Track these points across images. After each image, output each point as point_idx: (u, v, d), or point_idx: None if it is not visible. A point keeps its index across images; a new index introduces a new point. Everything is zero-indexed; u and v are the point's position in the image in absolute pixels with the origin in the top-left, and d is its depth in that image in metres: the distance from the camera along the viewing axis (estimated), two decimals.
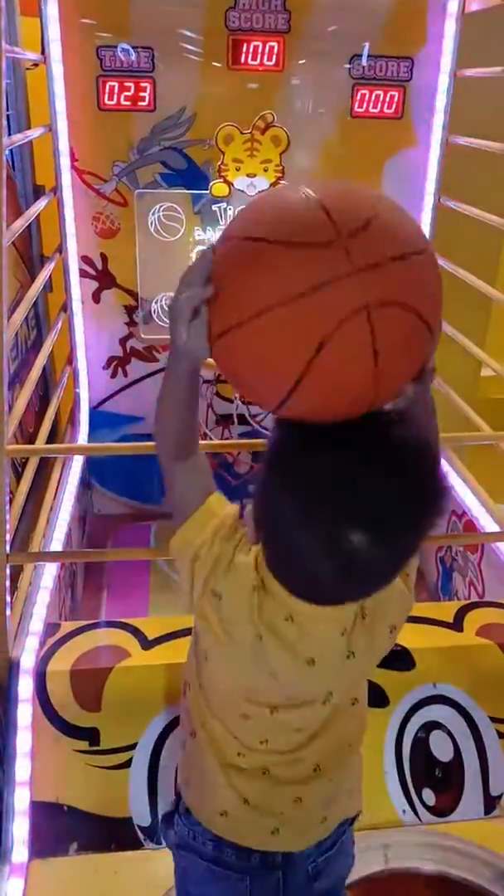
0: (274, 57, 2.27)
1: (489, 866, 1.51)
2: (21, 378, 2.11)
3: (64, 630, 1.67)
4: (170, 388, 0.98)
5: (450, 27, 2.30)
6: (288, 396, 0.79)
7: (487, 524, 2.18)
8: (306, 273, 0.76)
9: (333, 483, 0.79)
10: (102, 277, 2.52)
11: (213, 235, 2.49)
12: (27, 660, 1.56)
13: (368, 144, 2.43)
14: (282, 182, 2.42)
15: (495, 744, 1.66)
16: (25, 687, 1.54)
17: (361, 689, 1.11)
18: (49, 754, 1.53)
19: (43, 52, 2.18)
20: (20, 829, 1.49)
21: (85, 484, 2.68)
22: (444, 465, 2.45)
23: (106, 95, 2.26)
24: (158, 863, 1.47)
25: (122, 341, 2.62)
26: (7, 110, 2.24)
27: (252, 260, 0.78)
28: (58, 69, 2.19)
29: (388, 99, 2.39)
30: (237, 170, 2.41)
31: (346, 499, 0.79)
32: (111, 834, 1.52)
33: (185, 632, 1.62)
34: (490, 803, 1.64)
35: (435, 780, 1.63)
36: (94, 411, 2.68)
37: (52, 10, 2.12)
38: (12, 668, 1.55)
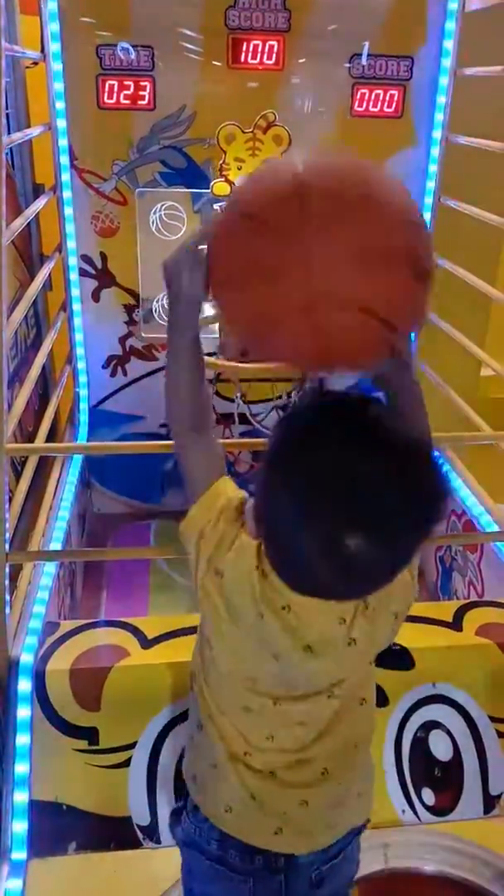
0: (274, 56, 2.27)
1: (489, 866, 1.51)
2: (21, 377, 2.11)
3: (63, 629, 1.67)
4: (175, 344, 1.01)
5: (450, 26, 2.29)
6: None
7: (487, 524, 2.18)
8: (263, 257, 0.84)
9: (333, 483, 0.79)
10: (102, 276, 2.52)
11: None
12: (26, 659, 1.56)
13: (368, 143, 2.43)
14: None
15: (495, 743, 1.66)
16: (25, 686, 1.54)
17: (369, 687, 1.10)
18: (48, 753, 1.53)
19: (42, 50, 2.17)
20: (19, 828, 1.49)
21: (84, 483, 2.68)
22: (444, 465, 2.45)
23: (105, 94, 2.26)
24: (157, 862, 1.47)
25: (122, 340, 2.62)
26: (6, 109, 2.24)
27: (226, 230, 0.90)
28: (57, 68, 2.19)
29: (388, 98, 2.38)
30: (239, 169, 2.41)
31: (345, 499, 0.79)
32: (110, 833, 1.52)
33: (185, 631, 1.62)
34: (489, 803, 1.64)
35: (434, 779, 1.63)
36: (94, 410, 2.68)
37: (51, 9, 2.12)
38: (11, 667, 1.55)
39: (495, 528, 2.16)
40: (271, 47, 2.25)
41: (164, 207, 2.44)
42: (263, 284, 0.84)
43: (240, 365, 2.26)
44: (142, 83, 2.26)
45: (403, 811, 1.60)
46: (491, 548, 2.12)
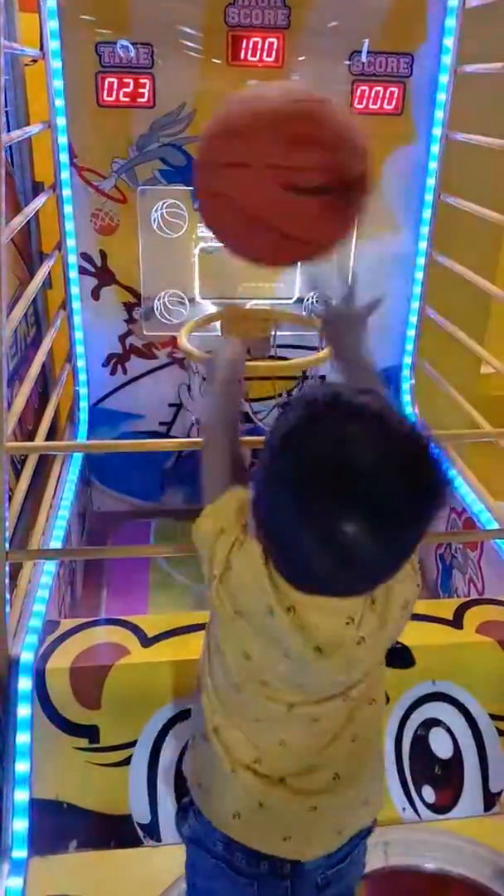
0: (273, 53, 2.26)
1: (489, 863, 1.51)
2: (20, 375, 2.11)
3: (63, 627, 1.67)
4: (215, 440, 1.18)
5: (450, 23, 2.29)
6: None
7: (487, 521, 2.18)
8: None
9: (329, 471, 0.79)
10: (102, 274, 2.51)
11: None
12: (27, 657, 1.56)
13: (368, 140, 2.42)
14: None
15: (495, 741, 1.66)
16: (25, 684, 1.54)
17: (379, 687, 1.10)
18: (49, 752, 1.53)
19: (42, 47, 2.17)
20: (20, 826, 1.49)
21: (85, 481, 2.68)
22: (444, 458, 2.45)
23: (105, 92, 2.25)
24: (158, 860, 1.47)
25: (122, 338, 2.62)
26: (5, 106, 2.24)
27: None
28: (57, 65, 2.18)
29: (387, 95, 2.38)
30: None
31: (342, 487, 0.79)
32: (111, 831, 1.52)
33: (186, 629, 1.62)
34: (490, 800, 1.64)
35: (434, 777, 1.63)
36: (94, 408, 2.68)
37: (50, 6, 2.11)
38: (12, 665, 1.55)
39: (495, 526, 2.16)
40: (271, 44, 2.25)
41: (165, 205, 2.44)
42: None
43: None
44: (141, 81, 2.26)
45: (404, 809, 1.60)
46: (491, 545, 2.12)
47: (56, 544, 2.01)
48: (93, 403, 2.68)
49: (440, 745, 1.65)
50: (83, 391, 2.65)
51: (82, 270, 2.48)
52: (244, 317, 2.44)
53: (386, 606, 0.96)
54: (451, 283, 2.47)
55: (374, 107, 2.38)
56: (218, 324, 2.41)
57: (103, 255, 2.48)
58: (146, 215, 2.44)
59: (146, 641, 1.62)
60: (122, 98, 2.27)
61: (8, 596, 1.59)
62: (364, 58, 2.32)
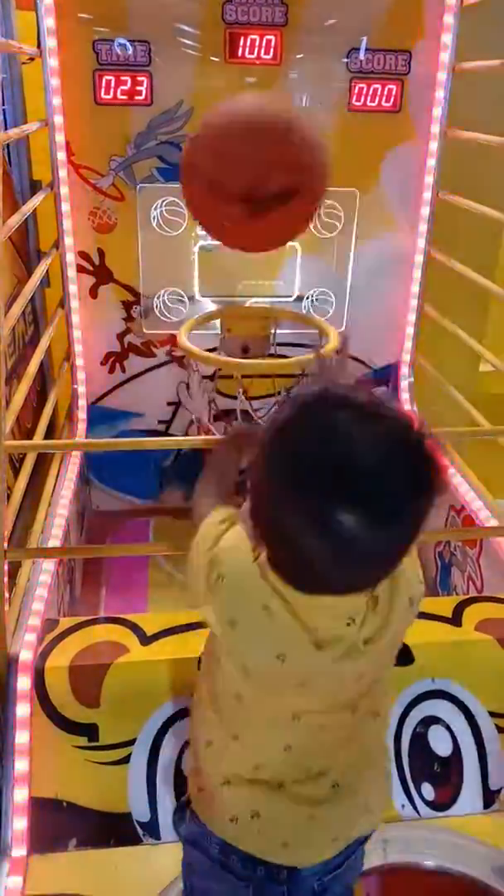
0: (271, 50, 2.26)
1: (488, 861, 1.51)
2: (18, 373, 2.11)
3: (62, 626, 1.67)
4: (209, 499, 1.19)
5: (448, 20, 2.28)
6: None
7: (486, 519, 2.18)
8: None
9: (323, 461, 0.79)
10: (100, 273, 2.51)
11: None
12: (25, 656, 1.56)
13: (366, 138, 2.42)
14: None
15: (494, 738, 1.66)
16: (24, 683, 1.54)
17: (384, 701, 1.09)
18: (48, 750, 1.53)
19: (39, 45, 2.16)
20: (19, 824, 1.49)
21: (83, 480, 2.67)
22: (444, 459, 2.45)
23: (102, 90, 2.25)
24: (158, 858, 1.47)
25: (120, 337, 2.61)
26: (3, 105, 2.24)
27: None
28: (54, 63, 2.18)
29: (386, 92, 2.37)
30: None
31: (335, 475, 0.79)
32: (110, 829, 1.53)
33: (185, 627, 1.62)
34: (489, 798, 1.64)
35: (434, 774, 1.63)
36: (93, 407, 2.68)
37: (47, 4, 2.10)
38: (10, 664, 1.55)
39: (494, 524, 2.16)
40: (269, 42, 2.24)
41: (164, 203, 2.43)
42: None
43: (242, 361, 2.26)
44: (139, 78, 2.25)
45: (403, 806, 1.60)
46: (490, 543, 2.12)
47: (55, 543, 2.01)
48: (91, 402, 2.68)
49: (439, 743, 1.65)
50: (81, 389, 2.65)
51: (80, 269, 2.48)
52: (244, 315, 2.43)
53: (390, 607, 0.96)
54: (450, 281, 2.47)
55: (373, 104, 2.38)
56: (218, 322, 2.41)
57: (101, 253, 2.48)
58: (146, 213, 2.44)
59: (145, 640, 1.62)
60: (119, 96, 2.27)
61: (7, 594, 1.59)
62: (362, 55, 2.32)
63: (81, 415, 2.65)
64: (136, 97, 2.28)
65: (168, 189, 2.41)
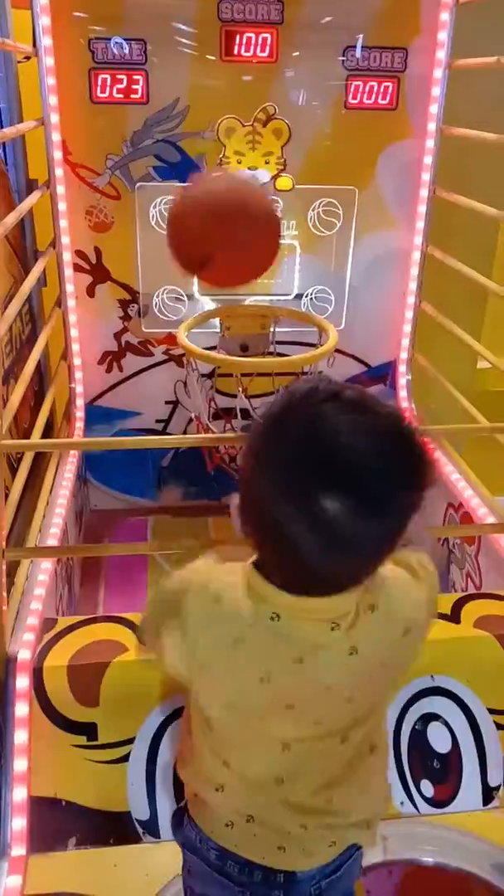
0: (267, 48, 2.26)
1: (487, 857, 1.52)
2: (16, 373, 2.11)
3: (61, 625, 1.67)
4: None
5: (444, 17, 2.28)
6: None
7: (485, 516, 2.18)
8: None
9: (308, 448, 0.80)
10: (97, 272, 2.51)
11: None
12: (24, 655, 1.56)
13: (363, 136, 2.42)
14: (283, 174, 2.43)
15: (493, 735, 1.66)
16: (22, 682, 1.54)
17: (380, 733, 1.08)
18: (47, 749, 1.53)
19: (34, 44, 2.16)
20: (18, 824, 1.49)
21: (81, 479, 2.67)
22: (442, 457, 2.46)
23: (98, 88, 2.25)
24: (157, 856, 1.47)
25: (117, 336, 2.61)
26: None
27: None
28: (49, 62, 2.17)
29: (382, 90, 2.37)
30: (239, 162, 2.40)
31: (320, 460, 0.80)
32: (110, 828, 1.52)
33: None
34: (488, 794, 1.64)
35: (433, 771, 1.63)
36: (90, 406, 2.67)
37: (43, 2, 2.10)
38: (9, 663, 1.55)
39: (493, 521, 2.16)
40: (265, 40, 2.24)
41: (163, 202, 2.43)
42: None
43: (240, 360, 2.26)
44: (134, 77, 2.25)
45: (402, 803, 1.60)
46: (489, 540, 2.12)
47: (53, 542, 2.00)
48: (89, 401, 2.67)
49: (439, 740, 1.65)
50: (79, 389, 2.65)
51: (77, 268, 2.48)
52: (243, 313, 2.43)
53: (386, 618, 0.95)
54: (447, 279, 2.47)
55: (369, 102, 2.38)
56: (217, 320, 2.40)
57: (98, 252, 2.48)
58: (143, 212, 2.44)
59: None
60: (115, 94, 2.26)
61: (5, 594, 1.58)
62: (358, 53, 2.32)
63: (79, 414, 2.65)
64: (133, 96, 2.27)
65: (165, 188, 2.41)
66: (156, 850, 1.50)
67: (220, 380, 2.53)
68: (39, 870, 1.46)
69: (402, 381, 2.79)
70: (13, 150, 2.38)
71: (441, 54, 2.32)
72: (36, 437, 2.14)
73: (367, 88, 2.36)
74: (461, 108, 2.40)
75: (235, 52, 2.25)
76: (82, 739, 1.54)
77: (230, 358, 2.24)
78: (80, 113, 2.27)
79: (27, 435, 2.22)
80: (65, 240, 2.41)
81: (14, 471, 1.96)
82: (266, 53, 2.26)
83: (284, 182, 2.43)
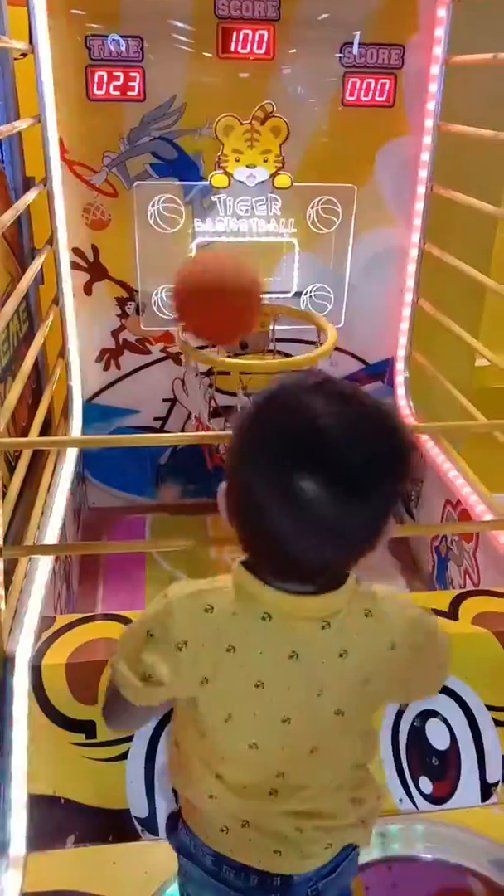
0: (264, 45, 2.26)
1: (486, 853, 1.52)
2: (13, 371, 2.10)
3: (59, 623, 1.67)
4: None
5: (441, 13, 2.28)
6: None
7: (483, 513, 2.18)
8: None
9: (289, 434, 0.81)
10: (94, 269, 2.51)
11: (211, 227, 2.48)
12: (22, 653, 1.56)
13: (360, 133, 2.42)
14: (281, 172, 2.43)
15: (491, 732, 1.66)
16: (21, 680, 1.53)
17: (370, 754, 1.09)
18: (45, 747, 1.53)
19: (31, 41, 2.16)
20: (17, 822, 1.49)
21: (79, 477, 2.67)
22: (440, 454, 2.46)
23: (95, 85, 2.25)
24: (156, 854, 1.47)
25: (115, 333, 2.61)
26: None
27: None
28: (46, 59, 2.17)
29: (379, 87, 2.37)
30: (237, 160, 2.40)
31: (299, 446, 0.80)
32: (109, 826, 1.52)
33: None
34: (486, 791, 1.64)
35: (431, 768, 1.63)
36: (88, 404, 2.67)
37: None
38: (7, 661, 1.55)
39: (490, 517, 2.16)
40: (261, 37, 2.24)
41: (161, 200, 2.43)
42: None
43: (239, 361, 2.26)
44: (131, 74, 2.25)
45: (401, 800, 1.60)
46: (486, 537, 2.12)
47: (51, 540, 2.00)
48: (86, 399, 2.67)
49: (437, 737, 1.65)
50: (76, 386, 2.65)
51: (74, 266, 2.47)
52: None
53: (375, 625, 0.95)
54: (445, 276, 2.47)
55: (366, 99, 2.38)
56: None
57: (95, 249, 2.48)
58: (140, 210, 2.43)
59: None
60: (112, 91, 2.26)
61: (3, 592, 1.58)
62: (355, 50, 2.31)
63: (77, 412, 2.64)
64: (129, 93, 2.27)
65: (163, 185, 2.41)
66: (155, 848, 1.50)
67: (219, 377, 2.53)
68: (38, 867, 1.46)
69: (400, 378, 2.79)
70: (10, 148, 2.37)
71: (438, 51, 2.32)
72: (34, 434, 2.14)
73: (364, 85, 2.36)
74: (458, 105, 2.40)
75: (232, 48, 2.24)
76: (81, 737, 1.53)
77: (227, 360, 2.24)
78: (77, 110, 2.27)
79: (25, 433, 2.21)
80: (62, 237, 2.40)
81: (12, 469, 1.96)
82: (263, 50, 2.26)
83: (283, 180, 2.43)
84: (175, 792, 1.15)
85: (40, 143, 2.28)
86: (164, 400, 2.73)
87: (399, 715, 1.63)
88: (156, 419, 2.76)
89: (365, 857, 1.46)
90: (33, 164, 2.37)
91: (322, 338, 2.26)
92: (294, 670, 0.93)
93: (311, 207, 2.51)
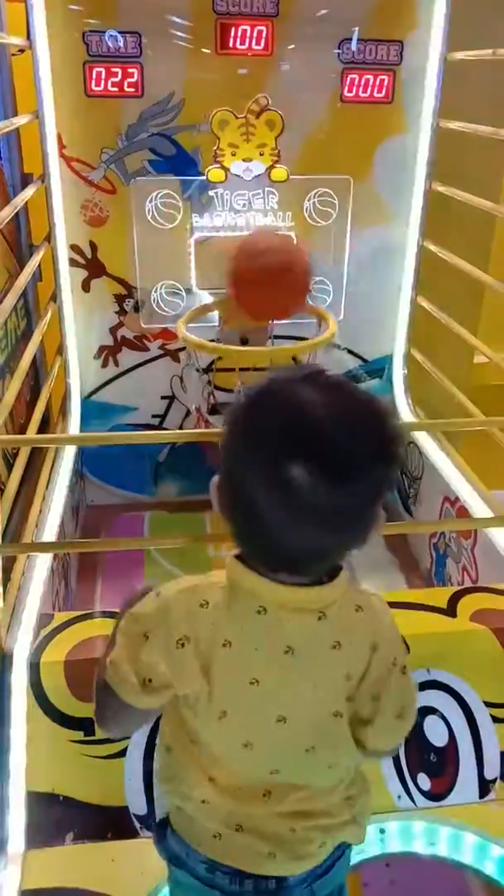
0: (262, 41, 2.25)
1: (484, 850, 1.52)
2: (11, 368, 2.10)
3: (57, 621, 1.67)
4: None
5: (440, 10, 2.28)
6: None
7: (480, 510, 2.18)
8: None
9: (279, 421, 0.82)
10: (92, 266, 2.50)
11: (209, 222, 2.47)
12: (20, 651, 1.56)
13: (359, 130, 2.42)
14: (278, 165, 2.43)
15: (489, 728, 1.66)
16: (19, 678, 1.53)
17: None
18: (44, 745, 1.53)
19: (28, 37, 2.15)
20: (16, 819, 1.49)
21: (77, 474, 2.67)
22: (438, 451, 2.46)
23: (93, 81, 2.24)
24: (154, 851, 1.47)
25: (113, 330, 2.61)
26: None
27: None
28: (44, 55, 2.16)
29: (378, 83, 2.37)
30: (233, 154, 2.40)
31: (288, 433, 0.81)
32: (107, 823, 1.52)
33: None
34: (485, 787, 1.64)
35: (430, 765, 1.63)
36: (86, 401, 2.67)
37: None
38: (5, 658, 1.55)
39: (488, 514, 2.16)
40: (260, 32, 2.23)
41: (160, 196, 2.42)
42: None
43: (240, 349, 2.25)
44: (129, 70, 2.24)
45: (399, 797, 1.60)
46: (484, 534, 2.12)
47: (49, 537, 2.00)
48: (85, 396, 2.67)
49: (435, 733, 1.65)
50: (75, 383, 2.64)
51: (72, 262, 2.47)
52: None
53: (367, 623, 0.96)
54: (444, 273, 2.47)
55: (365, 95, 2.37)
56: (216, 314, 2.40)
57: (93, 246, 2.47)
58: (139, 206, 2.43)
59: None
60: (110, 88, 2.25)
61: (1, 589, 1.58)
62: (354, 46, 2.31)
63: (75, 409, 2.64)
64: (127, 89, 2.26)
65: (161, 182, 2.40)
66: (153, 845, 1.50)
67: (218, 375, 2.53)
68: (37, 864, 1.46)
69: (399, 375, 2.79)
70: (7, 144, 2.37)
71: (437, 47, 2.31)
72: (32, 432, 2.14)
73: (362, 82, 2.36)
74: (457, 102, 2.39)
75: (231, 44, 2.24)
76: (79, 735, 1.53)
77: (230, 347, 2.24)
78: (75, 106, 2.26)
79: (23, 430, 2.21)
80: (60, 234, 2.40)
81: (10, 466, 1.96)
82: (261, 46, 2.25)
83: (279, 173, 2.43)
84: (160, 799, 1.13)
85: (38, 140, 2.28)
86: (163, 397, 2.72)
87: None
88: (154, 416, 2.75)
89: (363, 854, 1.47)
90: (31, 161, 2.37)
91: (322, 328, 2.26)
92: (289, 667, 0.93)
93: (308, 200, 2.50)
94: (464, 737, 1.65)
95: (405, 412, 2.76)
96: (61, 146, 2.31)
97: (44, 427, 2.40)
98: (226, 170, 2.41)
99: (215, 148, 2.38)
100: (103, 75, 2.24)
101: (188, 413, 2.70)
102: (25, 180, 2.36)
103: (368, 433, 0.83)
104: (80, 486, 2.74)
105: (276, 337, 2.40)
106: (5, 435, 1.90)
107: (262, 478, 0.81)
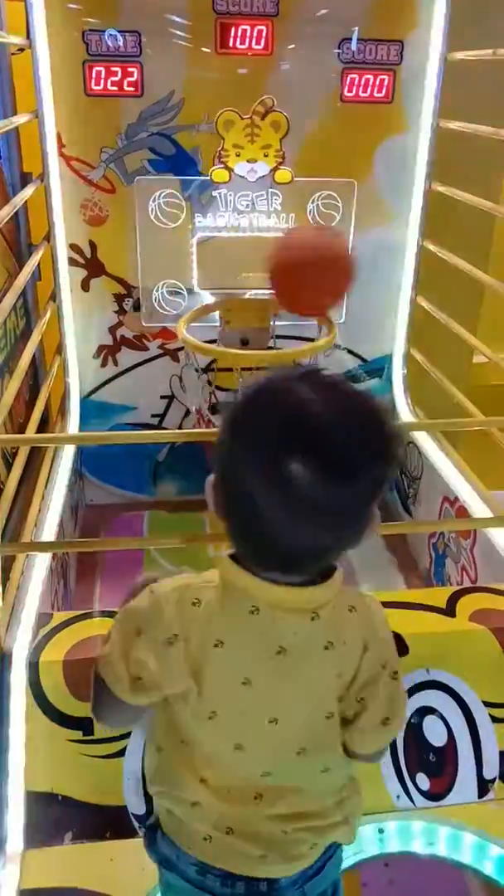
0: (262, 41, 2.25)
1: (483, 849, 1.52)
2: (10, 368, 2.10)
3: (56, 620, 1.67)
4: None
5: (440, 10, 2.27)
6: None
7: (480, 510, 2.18)
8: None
9: (276, 418, 0.82)
10: (91, 266, 2.50)
11: (212, 222, 2.47)
12: (19, 650, 1.56)
13: (359, 129, 2.42)
14: (282, 167, 2.43)
15: (488, 728, 1.66)
16: (18, 677, 1.53)
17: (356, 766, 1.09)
18: (43, 744, 1.53)
19: (28, 36, 2.15)
20: (15, 818, 1.49)
21: (77, 474, 2.67)
22: (438, 451, 2.46)
23: (93, 80, 2.24)
24: None
25: (112, 330, 2.61)
26: None
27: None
28: (43, 54, 2.16)
29: (378, 83, 2.37)
30: (237, 155, 2.40)
31: (286, 430, 0.81)
32: (106, 822, 1.52)
33: None
34: (483, 787, 1.64)
35: (429, 764, 1.63)
36: (85, 401, 2.67)
37: None
38: (4, 658, 1.55)
39: (488, 514, 2.16)
40: (260, 32, 2.23)
41: (162, 196, 2.42)
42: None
43: (238, 352, 2.25)
44: (129, 69, 2.24)
45: (398, 797, 1.60)
46: (483, 534, 2.12)
47: (48, 537, 2.00)
48: (84, 395, 2.67)
49: (434, 733, 1.65)
50: (74, 383, 2.64)
51: (72, 262, 2.47)
52: (243, 307, 2.43)
53: (359, 624, 0.96)
54: (444, 273, 2.47)
55: (365, 95, 2.37)
56: (217, 315, 2.40)
57: (93, 245, 2.47)
58: (142, 206, 2.43)
59: None
60: (109, 87, 2.25)
61: (0, 589, 1.58)
62: (354, 45, 2.31)
63: (74, 408, 2.64)
64: (127, 88, 2.26)
65: (162, 181, 2.40)
66: None
67: (218, 375, 2.53)
68: (36, 864, 1.46)
69: (398, 375, 2.79)
70: (7, 143, 2.37)
71: (437, 47, 2.31)
72: (31, 431, 2.14)
73: (362, 81, 2.36)
74: (457, 102, 2.39)
75: (231, 44, 2.24)
76: (78, 734, 1.53)
77: (229, 350, 2.24)
78: (75, 106, 2.26)
79: (22, 430, 2.21)
80: (59, 233, 2.40)
81: (9, 465, 1.96)
82: (261, 46, 2.25)
83: (283, 175, 2.43)
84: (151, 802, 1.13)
85: (38, 139, 2.27)
86: (162, 397, 2.72)
87: None
88: (153, 416, 2.75)
89: (362, 854, 1.47)
90: (31, 160, 2.37)
91: (323, 332, 2.26)
92: (281, 668, 0.93)
93: (312, 202, 2.50)
94: (463, 737, 1.65)
95: (404, 412, 2.76)
96: (61, 145, 2.31)
97: (43, 426, 2.40)
98: (230, 170, 2.41)
99: (220, 148, 2.38)
100: (103, 74, 2.24)
101: (187, 412, 2.70)
102: (25, 179, 2.36)
103: (368, 431, 0.83)
104: (79, 486, 2.74)
105: (278, 337, 2.40)
106: (4, 434, 1.90)
107: (261, 476, 0.81)
